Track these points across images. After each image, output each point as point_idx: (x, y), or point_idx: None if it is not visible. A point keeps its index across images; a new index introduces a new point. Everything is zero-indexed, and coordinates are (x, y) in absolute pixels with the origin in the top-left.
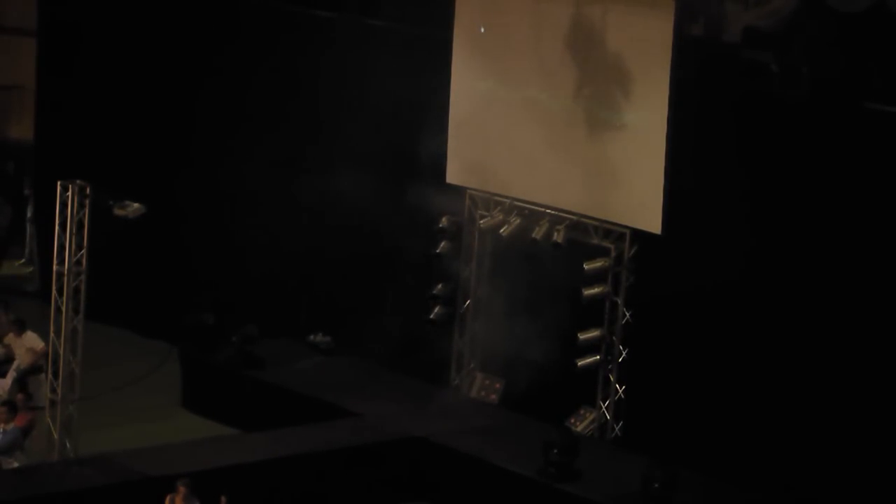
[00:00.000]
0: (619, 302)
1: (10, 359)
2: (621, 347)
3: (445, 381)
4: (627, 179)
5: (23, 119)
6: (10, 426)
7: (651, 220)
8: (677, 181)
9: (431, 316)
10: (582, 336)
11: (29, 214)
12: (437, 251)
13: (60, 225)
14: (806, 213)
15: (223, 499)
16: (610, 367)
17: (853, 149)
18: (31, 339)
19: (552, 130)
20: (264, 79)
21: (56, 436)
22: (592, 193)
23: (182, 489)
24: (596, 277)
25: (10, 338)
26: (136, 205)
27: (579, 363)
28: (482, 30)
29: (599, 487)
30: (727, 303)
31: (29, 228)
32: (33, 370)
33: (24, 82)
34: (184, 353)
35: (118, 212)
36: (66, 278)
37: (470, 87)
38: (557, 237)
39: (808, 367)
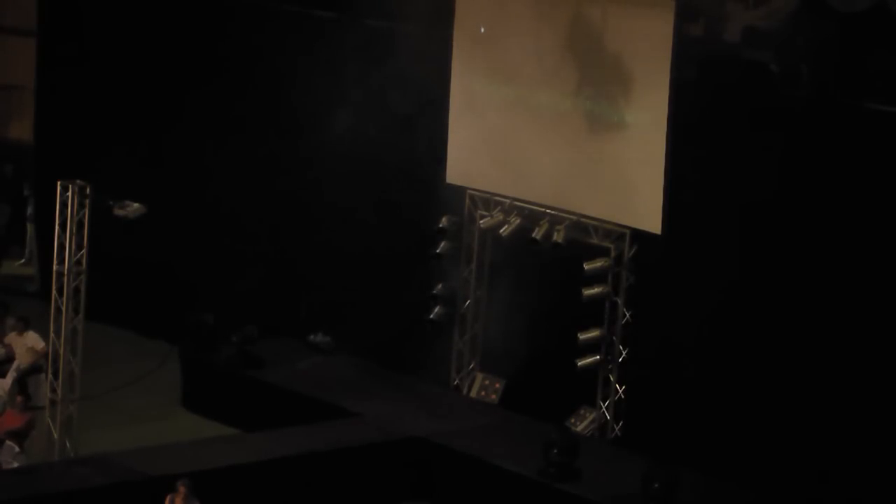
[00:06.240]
0: (619, 302)
1: (10, 359)
2: (621, 347)
3: (445, 381)
4: (627, 179)
5: (23, 119)
6: None
7: (651, 220)
8: (677, 181)
9: (431, 316)
10: (582, 336)
11: (28, 213)
12: (437, 251)
13: (60, 225)
14: (806, 212)
15: None
16: (610, 367)
17: (853, 149)
18: (32, 339)
19: (552, 130)
20: (264, 79)
21: (56, 436)
22: (592, 193)
23: (182, 489)
24: (596, 277)
25: (10, 337)
26: (136, 205)
27: (579, 363)
28: (482, 30)
29: (599, 487)
30: (727, 302)
31: (29, 228)
32: (33, 370)
33: (24, 82)
34: (184, 353)
35: (118, 212)
36: (66, 278)
37: (470, 87)
38: (557, 237)
39: (808, 366)
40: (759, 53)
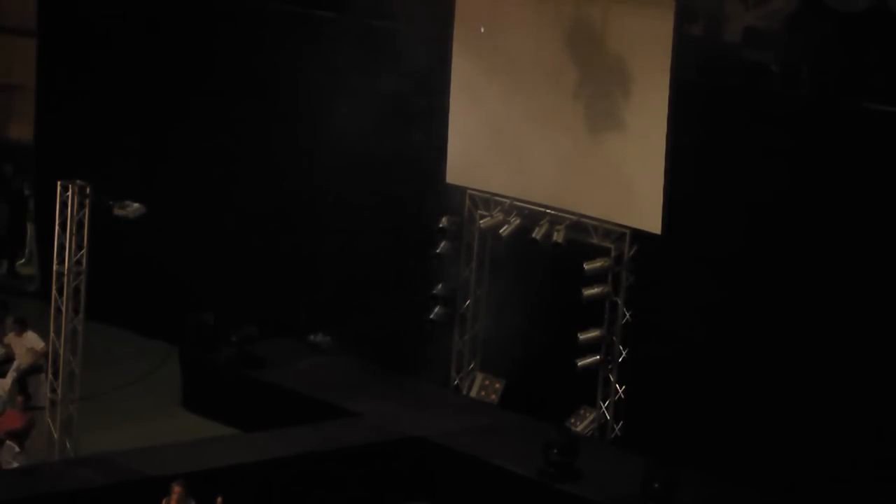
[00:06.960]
0: (619, 302)
1: (10, 359)
2: (621, 347)
3: (445, 381)
4: (627, 179)
5: (23, 119)
6: None
7: (651, 220)
8: (677, 181)
9: (431, 316)
10: (582, 336)
11: (28, 213)
12: (437, 251)
13: (60, 225)
14: (806, 212)
15: (219, 499)
16: (610, 367)
17: (853, 149)
18: (32, 339)
19: (552, 130)
20: (264, 79)
21: (56, 436)
22: (592, 193)
23: (177, 489)
24: (596, 277)
25: (10, 338)
26: (136, 205)
27: (579, 363)
28: (482, 30)
29: (599, 487)
30: (727, 302)
31: (29, 228)
32: (33, 370)
33: (24, 82)
34: (184, 353)
35: (118, 212)
36: (66, 278)
37: (470, 87)
38: (557, 237)
39: (807, 366)
40: (759, 53)
